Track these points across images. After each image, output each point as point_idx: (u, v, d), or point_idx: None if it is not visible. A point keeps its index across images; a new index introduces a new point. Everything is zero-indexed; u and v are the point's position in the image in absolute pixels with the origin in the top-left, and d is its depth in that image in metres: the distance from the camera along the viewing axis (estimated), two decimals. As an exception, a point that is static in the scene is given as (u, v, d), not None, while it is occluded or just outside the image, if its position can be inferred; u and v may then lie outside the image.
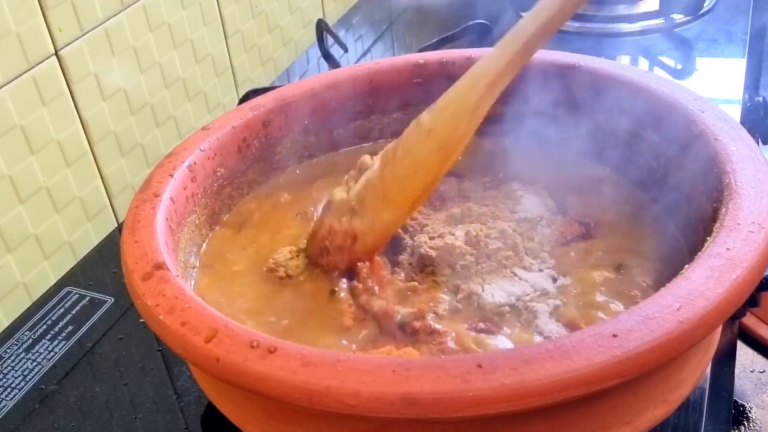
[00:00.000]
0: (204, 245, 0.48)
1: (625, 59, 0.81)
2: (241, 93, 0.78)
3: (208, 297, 0.44)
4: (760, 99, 0.70)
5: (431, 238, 0.45)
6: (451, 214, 0.47)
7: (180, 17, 0.69)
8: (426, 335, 0.40)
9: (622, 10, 0.87)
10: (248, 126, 0.51)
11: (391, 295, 0.43)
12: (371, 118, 0.56)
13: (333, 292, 0.44)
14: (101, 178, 0.63)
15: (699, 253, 0.34)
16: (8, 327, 0.54)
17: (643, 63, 0.80)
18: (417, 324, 0.40)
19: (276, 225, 0.50)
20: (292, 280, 0.45)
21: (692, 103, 0.45)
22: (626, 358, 0.30)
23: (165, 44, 0.68)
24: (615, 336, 0.30)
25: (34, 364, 0.51)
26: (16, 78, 0.54)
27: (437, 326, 0.40)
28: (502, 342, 0.39)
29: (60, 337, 0.52)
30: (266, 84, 0.83)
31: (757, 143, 0.41)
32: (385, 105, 0.55)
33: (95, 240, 0.63)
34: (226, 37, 0.77)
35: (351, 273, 0.44)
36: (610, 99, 0.49)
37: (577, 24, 0.85)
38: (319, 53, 0.80)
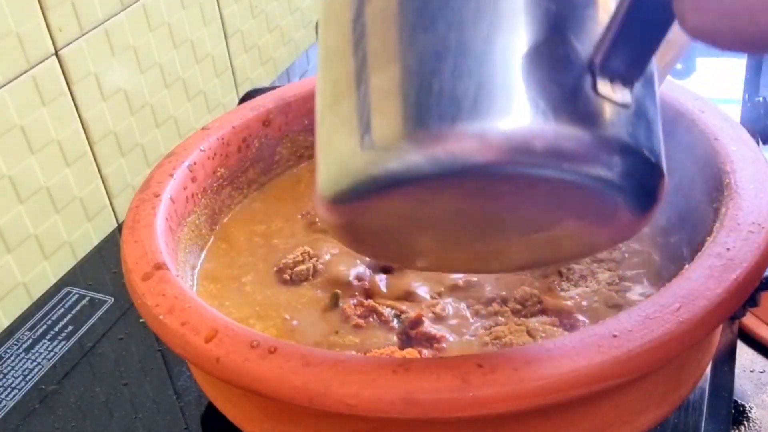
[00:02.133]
0: (206, 247, 0.48)
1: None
2: (241, 93, 0.78)
3: (215, 301, 0.44)
4: (760, 99, 0.70)
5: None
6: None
7: (180, 17, 0.69)
8: (423, 341, 0.39)
9: (622, 10, 0.86)
10: (248, 126, 0.51)
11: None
12: (371, 118, 0.56)
13: (336, 296, 0.43)
14: (101, 178, 0.63)
15: (699, 253, 0.34)
16: (8, 327, 0.54)
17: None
18: (412, 332, 0.39)
19: (277, 225, 0.50)
20: (297, 284, 0.45)
21: (692, 103, 0.45)
22: (626, 358, 0.30)
23: (165, 44, 0.68)
24: (615, 336, 0.30)
25: (34, 364, 0.50)
26: (16, 78, 0.54)
27: (433, 331, 0.39)
28: None
29: (60, 337, 0.52)
30: (266, 84, 0.83)
31: (757, 143, 0.41)
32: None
33: (95, 240, 0.63)
34: (226, 37, 0.77)
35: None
36: None
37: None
38: (319, 53, 0.80)
